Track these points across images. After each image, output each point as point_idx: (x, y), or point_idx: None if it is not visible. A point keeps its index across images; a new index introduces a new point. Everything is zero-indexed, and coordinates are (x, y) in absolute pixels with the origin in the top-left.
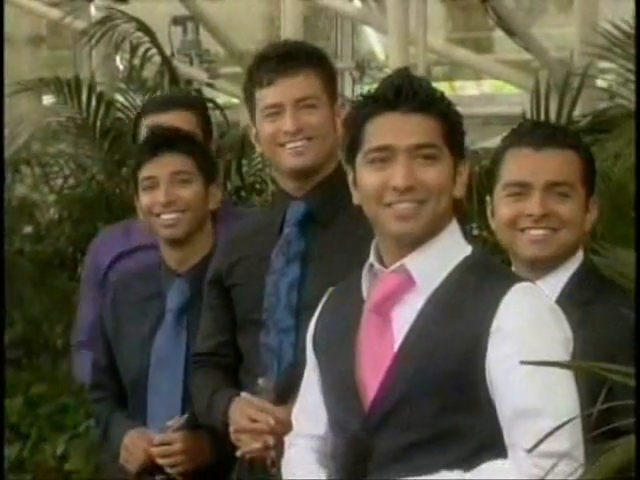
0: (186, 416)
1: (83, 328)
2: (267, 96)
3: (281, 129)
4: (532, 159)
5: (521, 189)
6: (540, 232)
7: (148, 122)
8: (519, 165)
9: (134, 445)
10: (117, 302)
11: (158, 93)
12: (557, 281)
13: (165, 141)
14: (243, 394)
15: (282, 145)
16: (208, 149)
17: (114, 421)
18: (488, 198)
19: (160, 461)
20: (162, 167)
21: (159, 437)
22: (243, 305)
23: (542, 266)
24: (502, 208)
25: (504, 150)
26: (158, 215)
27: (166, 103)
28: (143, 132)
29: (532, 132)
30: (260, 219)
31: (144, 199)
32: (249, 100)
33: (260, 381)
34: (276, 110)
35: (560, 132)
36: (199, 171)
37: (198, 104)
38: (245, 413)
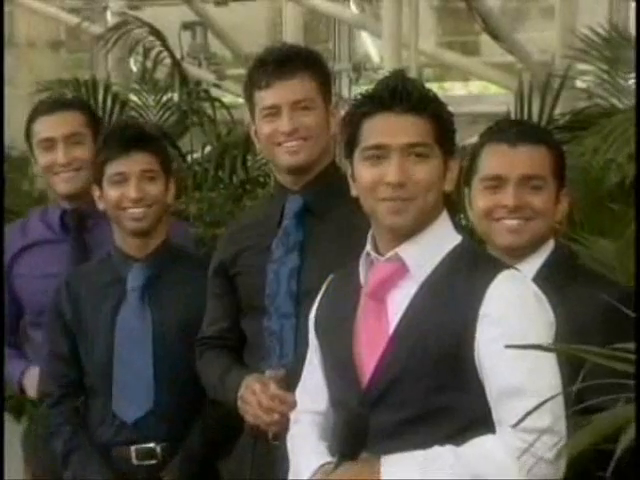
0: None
1: None
2: (265, 98)
3: (278, 129)
4: (507, 154)
5: (497, 182)
6: (514, 222)
7: (39, 123)
8: (495, 160)
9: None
10: (73, 293)
11: (169, 93)
12: (530, 267)
13: (135, 140)
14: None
15: (279, 144)
16: (167, 148)
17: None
18: (466, 190)
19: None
20: (133, 164)
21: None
22: (246, 292)
23: (516, 253)
24: (479, 200)
25: (481, 146)
26: (125, 209)
27: (55, 105)
28: (37, 132)
29: (507, 129)
30: (260, 212)
31: (112, 193)
32: (249, 100)
33: (267, 372)
34: (273, 111)
35: (533, 129)
36: (162, 169)
37: (84, 105)
38: (256, 395)
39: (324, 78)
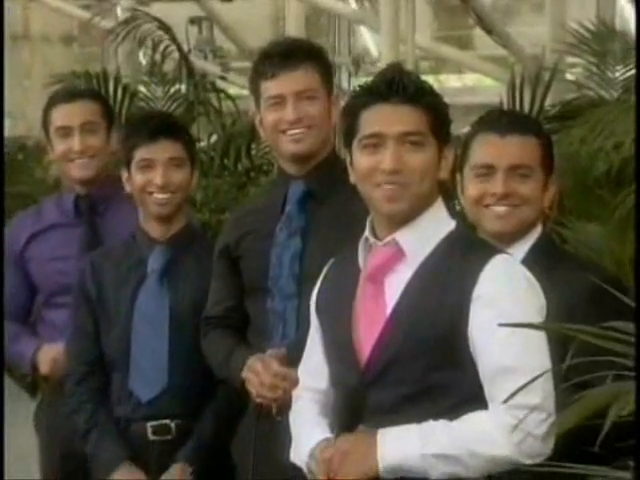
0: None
1: (5, 303)
2: (270, 88)
3: (283, 118)
4: (497, 144)
5: (487, 170)
6: (503, 208)
7: (56, 112)
8: (485, 149)
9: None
10: (97, 273)
11: (177, 85)
12: (518, 252)
13: (163, 128)
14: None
15: (283, 132)
16: (192, 138)
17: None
18: (458, 177)
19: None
20: (160, 152)
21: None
22: (250, 275)
23: (505, 239)
24: (470, 187)
25: (473, 135)
26: (150, 194)
27: (72, 94)
28: (54, 120)
29: (497, 120)
30: (263, 198)
31: (139, 177)
32: (254, 91)
33: (269, 352)
34: (278, 100)
35: (522, 120)
36: (188, 157)
37: (99, 95)
38: (259, 374)
39: (326, 70)
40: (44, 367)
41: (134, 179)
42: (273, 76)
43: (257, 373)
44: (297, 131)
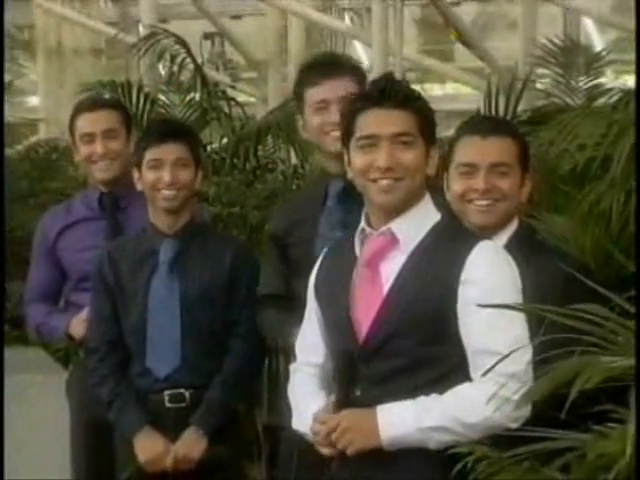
0: None
1: (33, 287)
2: (316, 94)
3: (327, 120)
4: (479, 145)
5: (470, 169)
6: (484, 203)
7: (81, 120)
8: (469, 149)
9: None
10: (114, 261)
11: (192, 93)
12: (499, 241)
13: (171, 131)
14: None
15: (327, 133)
16: (198, 141)
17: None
18: (445, 176)
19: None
20: (168, 152)
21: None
22: (297, 259)
23: (487, 230)
24: (455, 184)
25: (457, 137)
26: (159, 190)
27: (94, 104)
28: (79, 127)
29: (480, 123)
30: (306, 193)
31: (149, 175)
32: (299, 98)
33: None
34: (323, 105)
35: (501, 123)
36: (193, 158)
37: (119, 104)
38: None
39: (362, 78)
40: (79, 331)
41: (145, 177)
42: (318, 83)
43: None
44: (339, 132)
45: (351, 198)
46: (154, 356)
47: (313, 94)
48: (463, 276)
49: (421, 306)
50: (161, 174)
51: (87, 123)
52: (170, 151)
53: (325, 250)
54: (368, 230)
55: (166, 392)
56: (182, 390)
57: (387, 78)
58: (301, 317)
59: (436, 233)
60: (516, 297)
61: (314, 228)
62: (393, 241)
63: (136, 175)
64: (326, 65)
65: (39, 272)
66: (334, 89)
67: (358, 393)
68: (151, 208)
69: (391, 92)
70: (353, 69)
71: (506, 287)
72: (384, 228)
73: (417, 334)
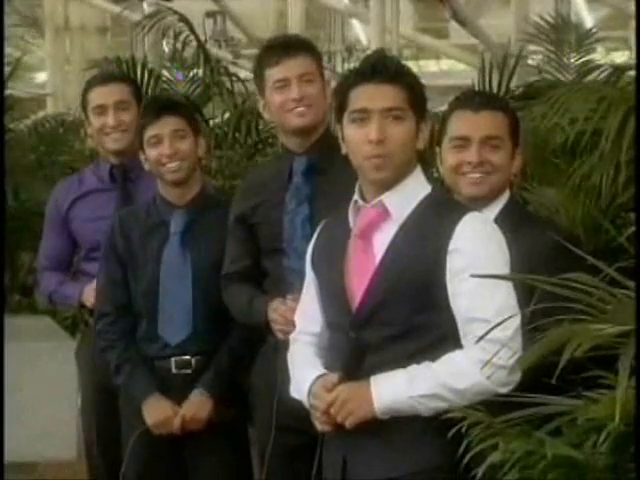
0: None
1: (46, 255)
2: (276, 72)
3: (288, 97)
4: (471, 119)
5: (463, 142)
6: (477, 175)
7: (94, 92)
8: (461, 123)
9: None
10: (125, 229)
11: (195, 70)
12: (490, 213)
13: (165, 106)
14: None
15: (290, 110)
16: (194, 110)
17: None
18: (438, 149)
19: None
20: (164, 126)
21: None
22: (266, 238)
23: (479, 202)
24: (448, 157)
25: (450, 112)
26: (163, 164)
27: (106, 78)
28: (92, 100)
29: (472, 98)
30: (270, 170)
31: (151, 152)
32: (259, 78)
33: (288, 296)
34: (284, 84)
35: (493, 98)
36: (190, 128)
37: (130, 78)
38: (282, 313)
39: (319, 58)
40: (92, 299)
41: (148, 155)
42: (277, 63)
43: (280, 312)
44: (301, 108)
45: (316, 174)
46: (165, 324)
47: (273, 73)
48: (451, 246)
49: (411, 276)
50: (162, 148)
51: (99, 95)
52: (166, 124)
53: (322, 222)
54: (361, 202)
55: (173, 359)
56: (188, 357)
57: (378, 54)
58: (275, 291)
59: (426, 205)
60: (503, 267)
61: (281, 205)
62: (385, 213)
63: (142, 157)
64: (284, 45)
65: (52, 241)
66: (293, 67)
67: (353, 363)
68: (160, 183)
69: (382, 67)
70: (309, 48)
71: (493, 257)
72: (376, 200)
73: (408, 303)
